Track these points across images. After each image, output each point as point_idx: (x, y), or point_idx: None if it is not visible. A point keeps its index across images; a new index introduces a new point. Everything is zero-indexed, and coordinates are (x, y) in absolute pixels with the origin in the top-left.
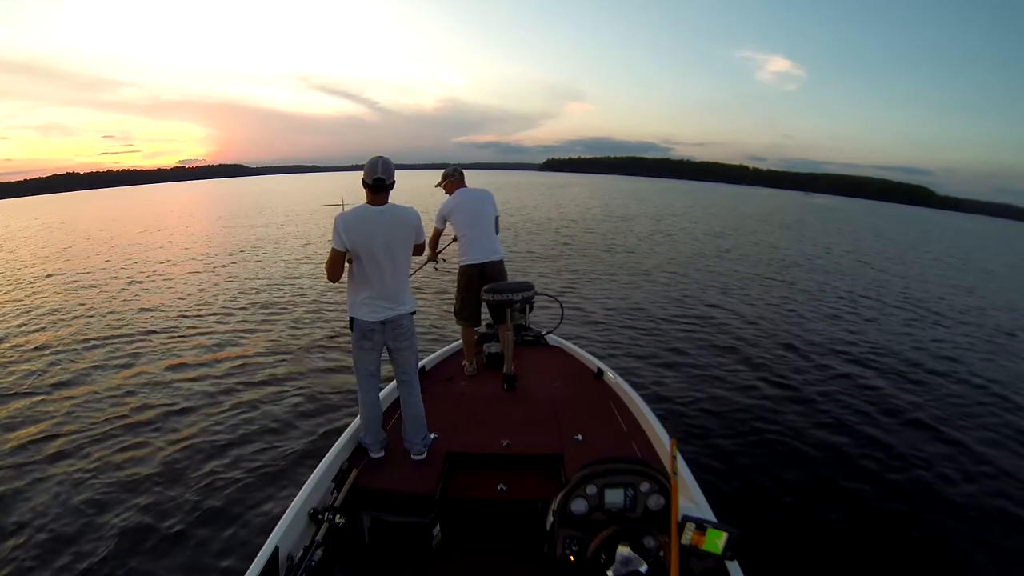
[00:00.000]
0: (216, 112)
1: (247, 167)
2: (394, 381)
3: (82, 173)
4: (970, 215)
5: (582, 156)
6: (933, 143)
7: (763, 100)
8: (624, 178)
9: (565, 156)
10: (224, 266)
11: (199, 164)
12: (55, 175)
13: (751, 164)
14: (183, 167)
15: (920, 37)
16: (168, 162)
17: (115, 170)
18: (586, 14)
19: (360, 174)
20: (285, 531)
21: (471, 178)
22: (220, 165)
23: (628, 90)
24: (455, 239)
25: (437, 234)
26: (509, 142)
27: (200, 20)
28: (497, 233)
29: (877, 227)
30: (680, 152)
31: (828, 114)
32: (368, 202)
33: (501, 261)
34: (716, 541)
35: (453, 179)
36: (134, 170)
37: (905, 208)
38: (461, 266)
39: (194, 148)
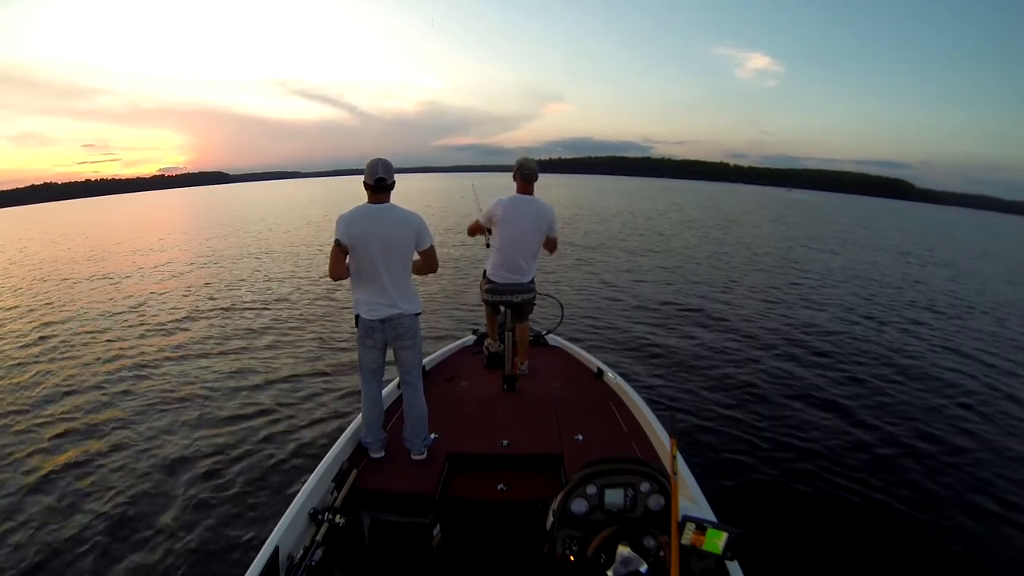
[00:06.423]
0: (195, 119)
1: (228, 174)
2: (395, 380)
3: (60, 183)
4: (951, 207)
5: (563, 157)
6: (911, 136)
7: (743, 97)
8: (606, 178)
9: (546, 157)
10: (224, 269)
11: (180, 172)
12: (32, 186)
13: (732, 161)
14: (163, 175)
15: (896, 31)
16: (148, 170)
17: (94, 180)
18: (563, 13)
19: (344, 179)
20: (285, 531)
21: (453, 181)
22: (201, 173)
23: (607, 89)
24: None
25: (478, 225)
26: (490, 144)
27: (176, 26)
28: (553, 250)
29: (862, 218)
30: (661, 151)
31: (806, 110)
32: (369, 202)
33: (526, 285)
34: (716, 541)
35: (515, 177)
36: (114, 179)
37: (886, 202)
38: (486, 276)
39: (174, 156)
